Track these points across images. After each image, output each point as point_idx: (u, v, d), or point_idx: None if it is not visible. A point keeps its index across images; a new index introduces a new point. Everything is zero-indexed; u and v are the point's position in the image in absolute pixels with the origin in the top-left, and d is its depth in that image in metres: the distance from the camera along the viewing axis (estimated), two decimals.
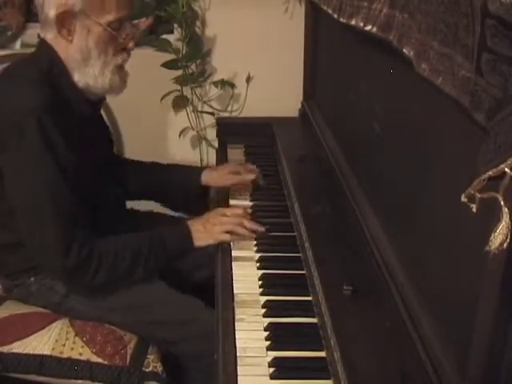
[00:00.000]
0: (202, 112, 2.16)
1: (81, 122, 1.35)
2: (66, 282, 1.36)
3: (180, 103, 2.09)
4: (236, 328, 1.09)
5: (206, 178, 1.66)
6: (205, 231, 1.40)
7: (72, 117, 1.32)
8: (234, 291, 1.20)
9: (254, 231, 1.40)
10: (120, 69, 1.37)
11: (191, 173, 1.69)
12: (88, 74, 1.33)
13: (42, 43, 1.34)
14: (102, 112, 2.13)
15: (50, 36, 1.32)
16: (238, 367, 0.99)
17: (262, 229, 1.41)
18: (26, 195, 1.28)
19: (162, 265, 1.41)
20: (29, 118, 1.22)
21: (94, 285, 1.33)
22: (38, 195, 1.26)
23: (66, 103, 1.31)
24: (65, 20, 1.28)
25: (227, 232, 1.39)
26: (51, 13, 1.27)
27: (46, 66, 1.31)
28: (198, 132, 2.18)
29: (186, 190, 1.67)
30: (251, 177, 1.63)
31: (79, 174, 1.30)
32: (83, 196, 1.31)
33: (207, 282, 1.49)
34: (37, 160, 1.25)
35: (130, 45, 1.37)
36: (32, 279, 1.41)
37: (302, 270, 1.26)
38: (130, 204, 1.74)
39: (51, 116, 1.24)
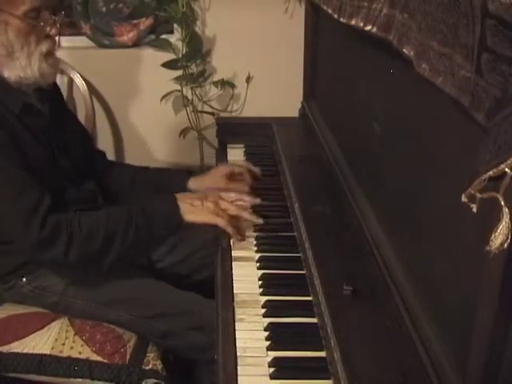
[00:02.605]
0: (201, 112, 2.17)
1: (25, 116, 1.34)
2: (38, 257, 1.32)
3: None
4: (236, 328, 1.09)
5: (195, 184, 1.58)
6: (200, 204, 1.37)
7: (9, 112, 1.31)
8: (234, 291, 1.20)
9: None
10: (48, 56, 1.36)
11: (177, 177, 1.62)
12: (16, 67, 1.32)
13: None
14: (101, 108, 2.15)
15: None
16: (238, 367, 0.99)
17: (260, 221, 1.39)
18: None
19: (147, 237, 1.36)
20: None
21: (71, 260, 1.28)
22: None
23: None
24: None
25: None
26: None
27: None
28: (198, 132, 2.19)
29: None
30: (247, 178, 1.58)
31: (33, 164, 1.30)
32: (41, 180, 1.30)
33: (207, 282, 1.49)
34: None
35: (53, 31, 1.35)
36: (24, 280, 1.40)
37: (302, 270, 1.26)
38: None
39: None
